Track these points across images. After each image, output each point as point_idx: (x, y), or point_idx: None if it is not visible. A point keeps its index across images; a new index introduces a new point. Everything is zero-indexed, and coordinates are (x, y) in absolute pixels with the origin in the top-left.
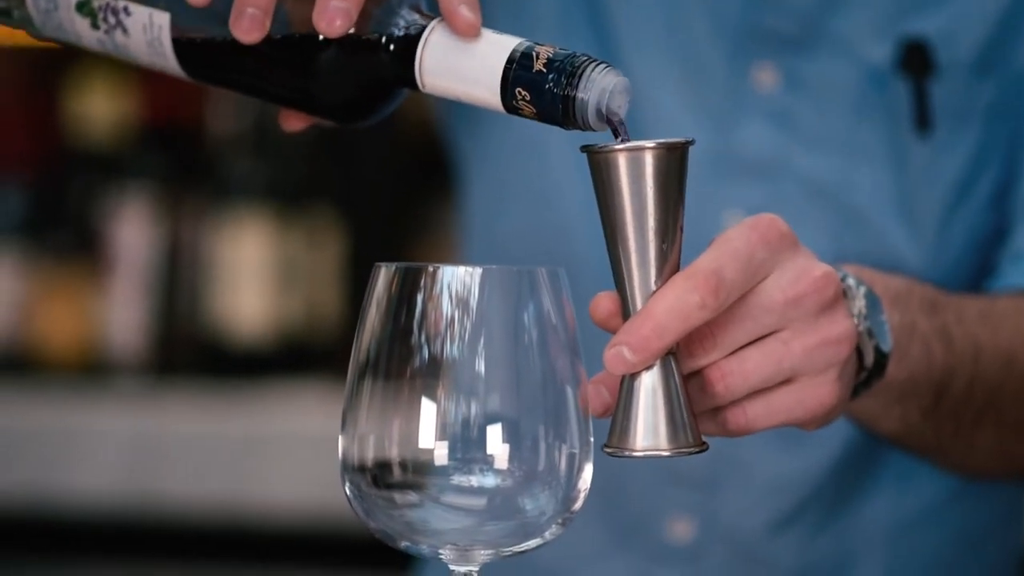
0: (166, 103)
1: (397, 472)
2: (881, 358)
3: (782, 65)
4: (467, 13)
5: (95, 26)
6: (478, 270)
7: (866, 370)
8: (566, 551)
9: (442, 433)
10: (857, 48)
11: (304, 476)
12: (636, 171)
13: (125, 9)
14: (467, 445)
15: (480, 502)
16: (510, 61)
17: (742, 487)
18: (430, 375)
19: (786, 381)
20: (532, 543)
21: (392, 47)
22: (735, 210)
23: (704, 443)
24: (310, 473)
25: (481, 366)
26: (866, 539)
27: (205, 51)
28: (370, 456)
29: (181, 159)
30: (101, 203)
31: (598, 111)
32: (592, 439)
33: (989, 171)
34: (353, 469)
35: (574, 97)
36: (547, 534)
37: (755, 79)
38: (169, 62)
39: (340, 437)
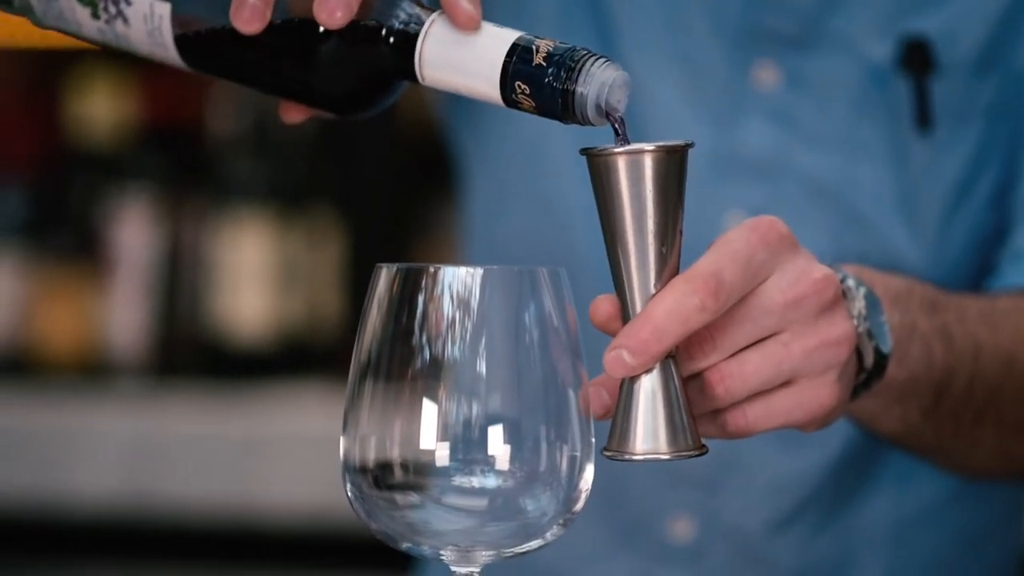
0: (166, 104)
1: (398, 473)
2: (881, 359)
3: (783, 64)
4: (467, 6)
5: (95, 15)
6: (479, 271)
7: (866, 371)
8: (567, 551)
9: (443, 434)
10: (858, 47)
11: (305, 477)
12: (635, 174)
13: None
14: (468, 446)
15: (481, 503)
16: (510, 55)
17: (743, 487)
18: (431, 376)
19: (786, 383)
20: (533, 544)
21: (392, 39)
22: (736, 210)
23: (704, 446)
24: (311, 474)
25: (482, 367)
26: (866, 539)
27: (205, 42)
28: (371, 457)
29: (181, 160)
30: (101, 204)
31: (597, 106)
32: (593, 439)
33: (990, 170)
34: (354, 470)
35: (573, 91)
36: (548, 535)
37: (756, 78)
38: (169, 52)
39: (341, 438)
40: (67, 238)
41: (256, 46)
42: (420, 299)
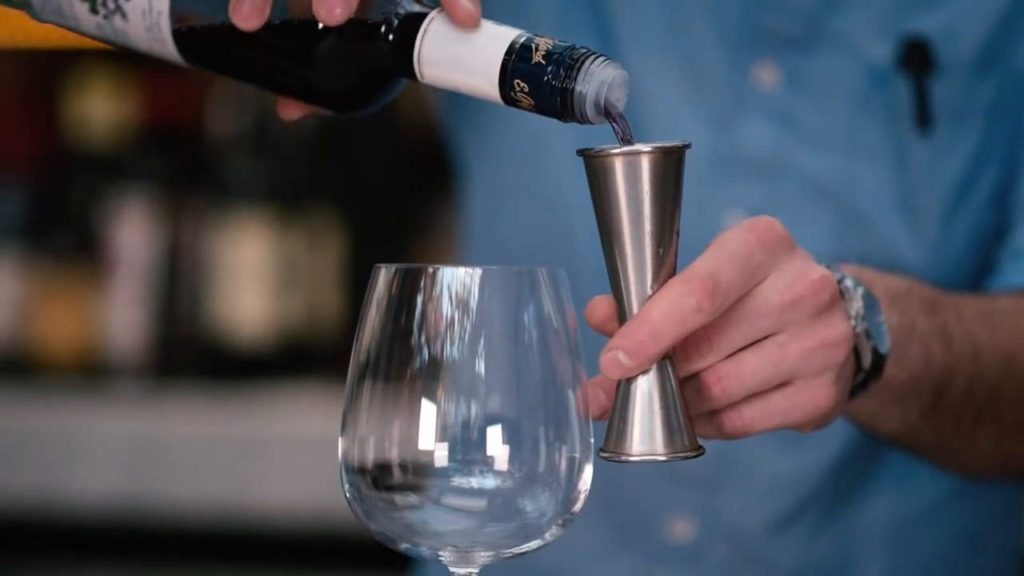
0: (166, 104)
1: (397, 474)
2: (879, 359)
3: (783, 64)
4: (467, 4)
5: (94, 10)
6: (478, 271)
7: (864, 371)
8: (567, 551)
9: (442, 434)
10: (858, 46)
11: (304, 478)
12: (632, 175)
13: None
14: (467, 446)
15: (480, 504)
16: (509, 53)
17: (742, 487)
18: (430, 376)
19: (783, 384)
20: (532, 544)
21: (391, 36)
22: (736, 210)
23: (700, 447)
24: (310, 475)
25: (481, 367)
26: (866, 539)
27: (204, 37)
28: (370, 458)
29: (181, 161)
30: (101, 205)
31: (596, 104)
32: (592, 440)
33: (990, 170)
34: (353, 471)
35: (572, 90)
36: (547, 535)
37: (756, 78)
38: (167, 48)
39: (340, 438)
40: (67, 239)
41: (255, 42)
42: (419, 299)
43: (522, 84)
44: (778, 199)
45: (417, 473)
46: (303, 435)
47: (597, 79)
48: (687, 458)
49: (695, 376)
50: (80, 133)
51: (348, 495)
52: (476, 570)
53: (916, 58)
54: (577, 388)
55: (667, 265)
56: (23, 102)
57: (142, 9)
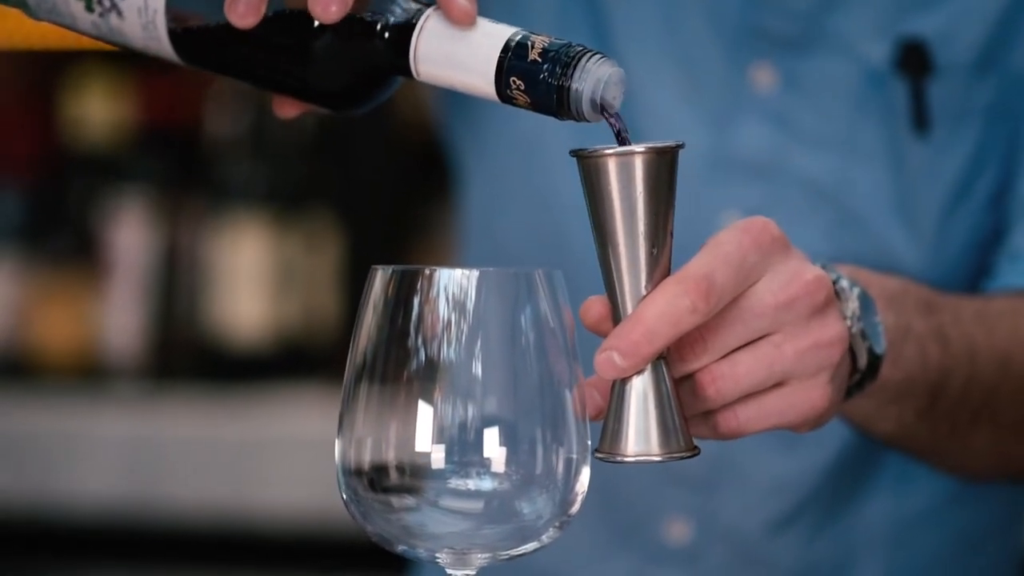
0: (164, 106)
1: (394, 476)
2: (874, 360)
3: (780, 65)
4: (463, 1)
5: (89, 8)
6: (475, 272)
7: (859, 372)
8: (564, 553)
9: (439, 436)
10: (855, 48)
11: (302, 480)
12: (626, 176)
13: None
14: (464, 448)
15: (477, 505)
16: (505, 50)
17: (740, 488)
18: (427, 378)
19: (778, 384)
20: (529, 547)
21: (387, 34)
22: (732, 211)
23: (696, 447)
24: (308, 477)
25: (478, 369)
26: (865, 540)
27: (199, 35)
28: (367, 459)
29: (179, 162)
30: (99, 206)
31: (592, 102)
32: (589, 442)
33: (988, 171)
34: (350, 473)
35: (568, 87)
36: (544, 537)
37: (753, 79)
38: (163, 46)
39: (337, 440)
40: (65, 240)
41: (250, 40)
42: (415, 301)
43: (518, 82)
44: (775, 200)
45: (414, 475)
46: (301, 437)
47: (593, 77)
48: (682, 458)
49: (690, 376)
50: (78, 135)
51: (345, 497)
52: (473, 572)
53: (913, 59)
54: (574, 390)
55: (661, 265)
56: (21, 103)
57: (138, 7)
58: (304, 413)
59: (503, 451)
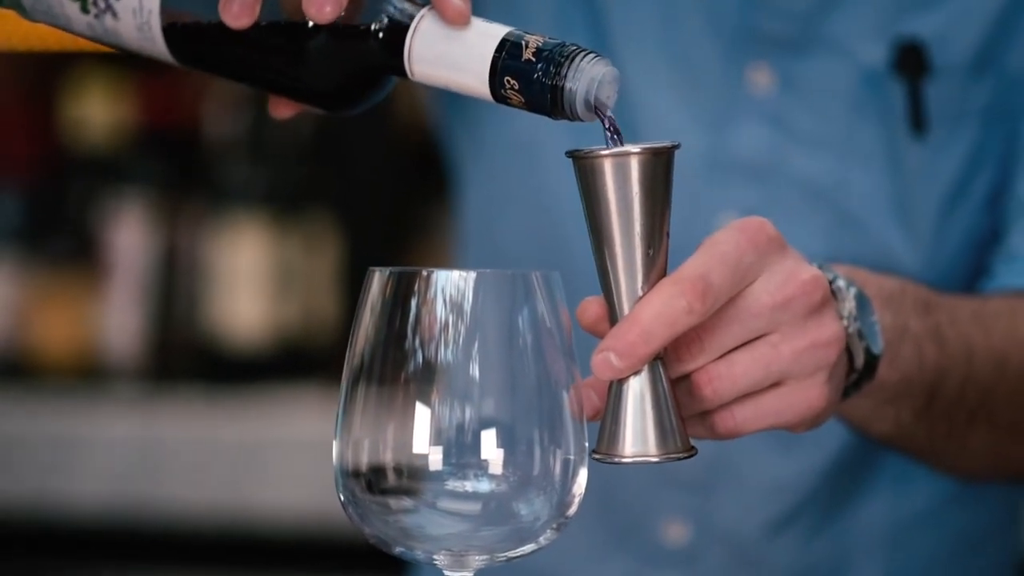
0: (163, 107)
1: (392, 477)
2: (871, 359)
3: (777, 66)
4: (457, 1)
5: (84, 10)
6: (472, 274)
7: (856, 371)
8: (561, 554)
9: (436, 438)
10: (852, 49)
11: (301, 481)
12: (622, 176)
13: None
14: (461, 450)
15: (475, 507)
16: (499, 50)
17: (737, 490)
18: (424, 380)
19: (775, 384)
20: (527, 548)
21: (381, 34)
22: (730, 212)
23: (693, 448)
24: (307, 478)
25: (475, 370)
26: (863, 541)
27: (194, 36)
28: (364, 461)
29: (178, 164)
30: (98, 208)
31: (586, 101)
32: (587, 443)
33: (985, 172)
34: (347, 474)
35: (562, 87)
36: (542, 539)
37: (750, 80)
38: (158, 47)
39: (334, 442)
40: (64, 242)
41: (245, 41)
42: (413, 303)
43: (512, 81)
44: (773, 201)
45: (411, 477)
46: (300, 438)
47: (587, 76)
48: (679, 459)
49: (687, 377)
50: (77, 136)
51: (343, 498)
52: (470, 574)
53: (910, 61)
54: (571, 391)
55: (657, 266)
56: (20, 105)
57: (133, 8)
58: (303, 414)
59: (500, 453)
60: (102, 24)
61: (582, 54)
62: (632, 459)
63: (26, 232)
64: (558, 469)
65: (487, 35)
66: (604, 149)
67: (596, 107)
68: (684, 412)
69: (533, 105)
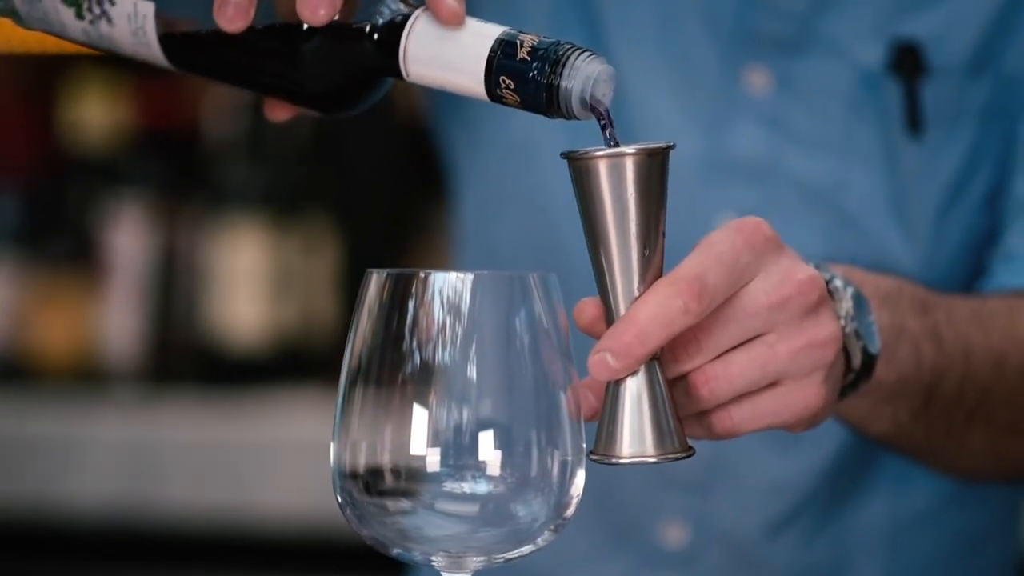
0: (161, 109)
1: (389, 479)
2: (869, 359)
3: (774, 67)
4: (451, 2)
5: (80, 16)
6: (469, 276)
7: (854, 371)
8: (560, 556)
9: (434, 440)
10: (849, 50)
11: (301, 483)
12: (617, 177)
13: None
14: (459, 451)
15: (472, 509)
16: (494, 49)
17: (736, 491)
18: (422, 381)
19: (772, 384)
20: (524, 549)
21: (376, 36)
22: (728, 213)
23: (691, 448)
24: (307, 480)
25: (473, 372)
26: (863, 542)
27: (189, 40)
28: (362, 463)
29: (177, 165)
30: (97, 210)
31: (582, 99)
32: (585, 444)
33: (982, 172)
34: (345, 476)
35: (558, 85)
36: (539, 540)
37: (747, 82)
38: (153, 52)
39: (332, 444)
40: (63, 244)
41: (240, 44)
42: (410, 304)
43: (507, 81)
44: (770, 202)
45: (409, 478)
46: (299, 440)
47: (582, 74)
48: (677, 459)
49: (684, 377)
50: (76, 138)
51: (340, 500)
52: (468, 575)
53: (907, 62)
54: (569, 393)
55: (654, 266)
56: (19, 107)
57: (128, 14)
58: (302, 416)
59: (498, 454)
60: (97, 30)
61: (577, 52)
62: (630, 460)
63: (25, 234)
64: (556, 470)
65: (482, 35)
66: (599, 150)
67: (592, 105)
68: (681, 412)
69: (529, 104)
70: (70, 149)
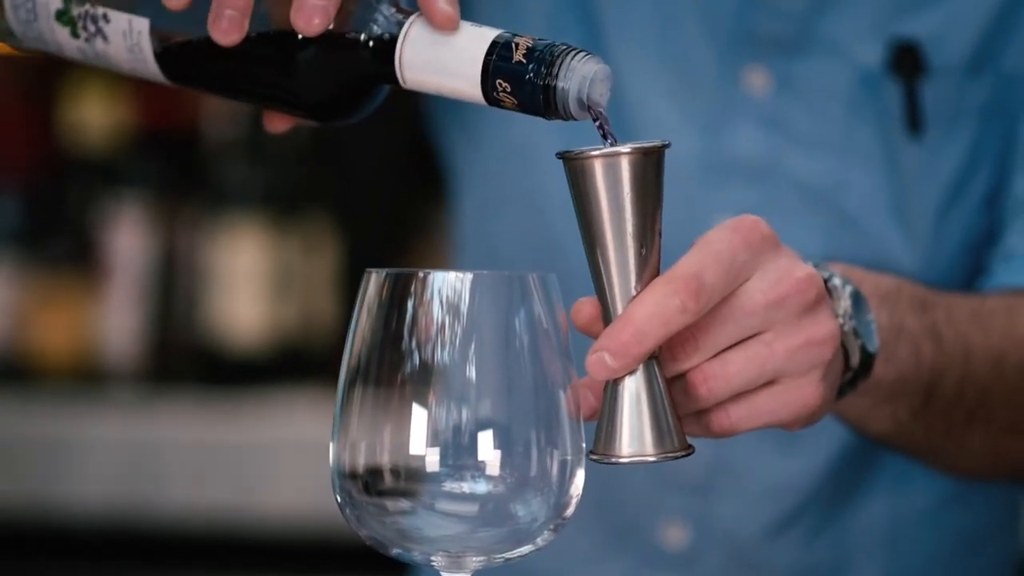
0: (161, 110)
1: (388, 479)
2: (867, 358)
3: (774, 68)
4: (444, 6)
5: (75, 35)
6: (468, 276)
7: (852, 370)
8: (560, 556)
9: (433, 439)
10: (849, 50)
11: (300, 483)
12: (612, 177)
13: (104, 16)
14: (458, 451)
15: (472, 508)
16: (490, 52)
17: (737, 492)
18: (421, 381)
19: (769, 382)
20: (524, 549)
21: (372, 43)
22: (727, 214)
23: (690, 446)
24: (306, 480)
25: (472, 372)
26: (863, 542)
27: (185, 55)
28: (361, 463)
29: (177, 166)
30: (97, 210)
31: (579, 100)
32: (584, 444)
33: (982, 171)
34: (344, 476)
35: (554, 87)
36: (539, 540)
37: (747, 82)
38: (150, 67)
39: (331, 444)
40: (62, 245)
41: (236, 57)
42: (409, 304)
43: (504, 83)
44: (770, 203)
45: (408, 478)
46: (299, 440)
47: (579, 75)
48: (677, 458)
49: (682, 376)
50: (76, 139)
51: (339, 500)
52: (468, 575)
53: (907, 61)
54: (568, 392)
55: (650, 265)
56: (19, 107)
57: (123, 31)
58: (302, 416)
59: (497, 454)
60: (93, 48)
61: (573, 53)
62: (629, 459)
63: (25, 234)
64: (555, 470)
65: (477, 38)
66: (594, 149)
67: (589, 105)
68: (680, 411)
69: (526, 106)
70: (70, 149)
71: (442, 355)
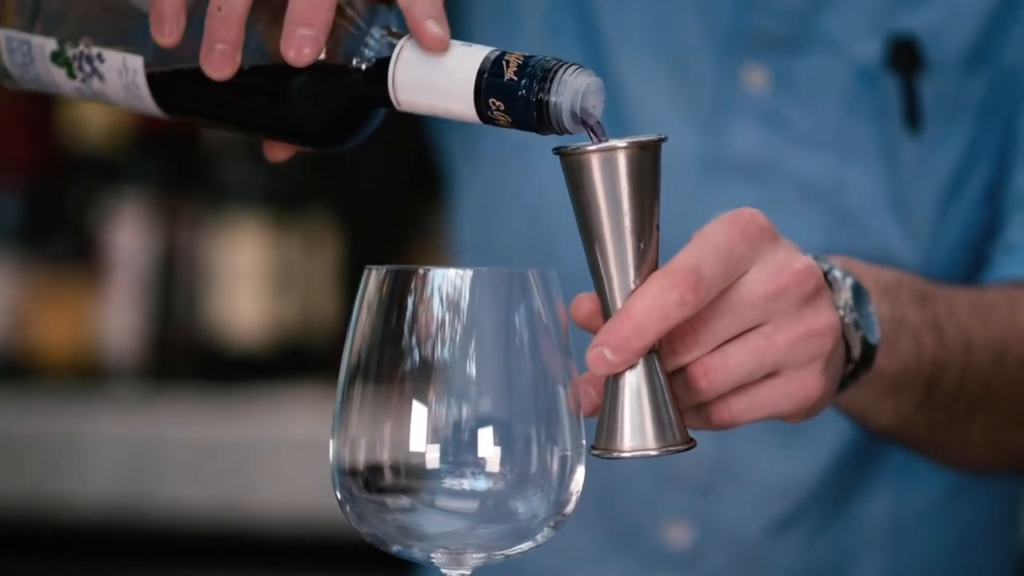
0: None
1: (388, 476)
2: (868, 350)
3: (772, 66)
4: (434, 28)
5: (71, 75)
6: (468, 272)
7: (853, 362)
8: (562, 555)
9: (433, 436)
10: (847, 46)
11: (301, 480)
12: (609, 171)
13: (99, 56)
14: (459, 448)
15: (472, 505)
16: (481, 72)
17: (740, 491)
18: (421, 378)
19: (770, 374)
20: (524, 546)
21: (364, 67)
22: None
23: (692, 440)
24: (307, 477)
25: (472, 368)
26: (866, 539)
27: (181, 90)
28: (361, 460)
29: (177, 164)
30: (97, 208)
31: (572, 113)
32: (585, 441)
33: (981, 166)
34: (344, 473)
35: (547, 102)
36: (539, 537)
37: (745, 80)
38: (146, 103)
39: (331, 440)
40: (63, 242)
41: (230, 90)
42: (409, 301)
43: (497, 102)
44: (769, 201)
45: (408, 475)
46: (299, 437)
47: (571, 88)
48: (678, 451)
49: (682, 370)
50: (76, 137)
51: (340, 497)
52: (468, 572)
53: (905, 57)
54: (569, 388)
55: (649, 260)
56: (19, 106)
57: (118, 69)
58: (302, 414)
59: (498, 450)
60: (90, 87)
61: (564, 67)
62: (631, 453)
63: (25, 232)
64: (555, 466)
65: (467, 58)
66: (591, 145)
67: (583, 118)
68: (681, 404)
69: (520, 122)
70: (70, 148)
71: (442, 352)
